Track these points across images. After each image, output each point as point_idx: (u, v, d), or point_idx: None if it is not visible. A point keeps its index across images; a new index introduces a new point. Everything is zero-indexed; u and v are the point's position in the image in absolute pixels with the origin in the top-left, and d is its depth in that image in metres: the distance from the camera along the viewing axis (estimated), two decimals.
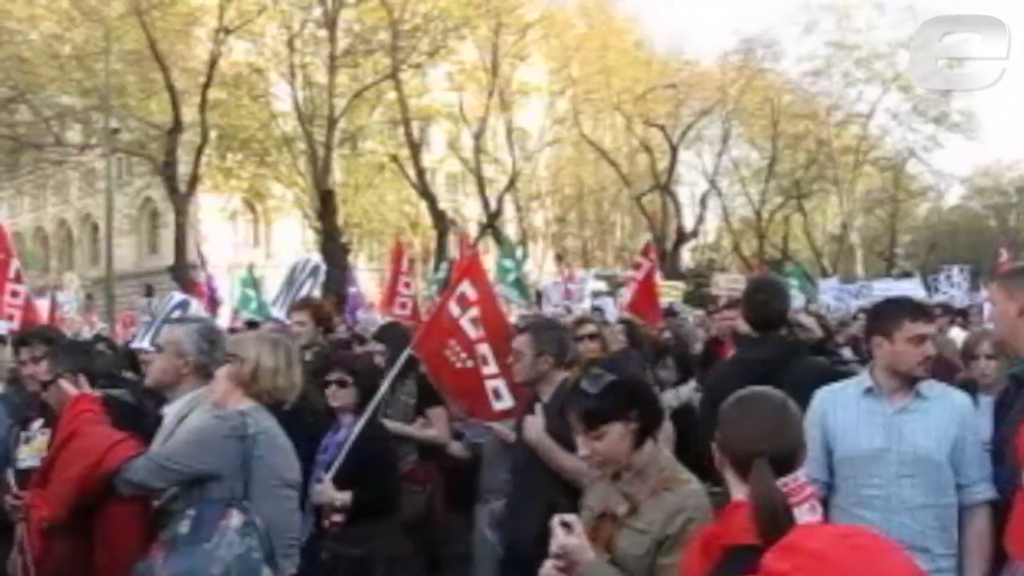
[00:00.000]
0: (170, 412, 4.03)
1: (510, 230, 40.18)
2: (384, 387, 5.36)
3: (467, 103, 35.49)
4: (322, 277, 11.84)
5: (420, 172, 32.94)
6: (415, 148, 32.80)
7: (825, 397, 3.89)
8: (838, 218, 46.37)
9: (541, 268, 38.11)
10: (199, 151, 29.13)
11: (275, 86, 31.97)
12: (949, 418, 3.69)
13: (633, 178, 42.44)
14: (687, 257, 46.16)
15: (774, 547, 2.20)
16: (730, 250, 47.68)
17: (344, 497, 4.84)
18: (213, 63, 28.74)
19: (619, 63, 40.16)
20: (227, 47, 29.62)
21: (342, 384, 5.26)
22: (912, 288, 15.75)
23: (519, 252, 36.44)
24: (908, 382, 3.74)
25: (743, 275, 20.65)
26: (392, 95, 31.90)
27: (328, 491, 4.86)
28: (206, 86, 28.58)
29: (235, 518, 3.58)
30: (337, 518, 4.83)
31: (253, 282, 14.49)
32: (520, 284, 14.95)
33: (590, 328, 6.85)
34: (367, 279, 28.76)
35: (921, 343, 3.70)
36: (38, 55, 29.34)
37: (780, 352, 4.44)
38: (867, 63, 41.46)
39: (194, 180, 29.65)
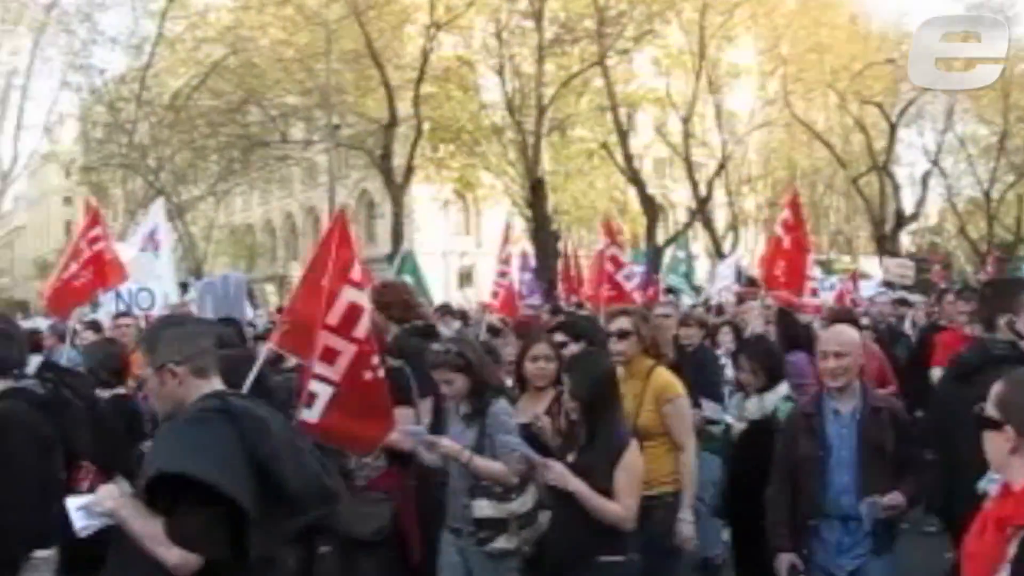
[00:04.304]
0: None
1: (720, 215, 39.54)
2: (247, 383, 4.29)
3: (674, 87, 35.11)
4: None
5: (628, 158, 32.84)
6: (623, 134, 32.72)
7: None
8: None
9: (753, 254, 37.28)
10: (414, 144, 30.23)
11: (483, 78, 32.60)
12: None
13: (848, 159, 40.78)
14: (907, 241, 44.07)
15: None
16: (955, 233, 45.16)
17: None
18: (425, 58, 29.68)
19: (832, 39, 38.58)
20: (437, 42, 30.46)
21: None
22: None
23: (729, 238, 36.26)
24: None
25: (912, 260, 19.62)
26: (599, 82, 31.97)
27: None
28: (419, 81, 29.50)
29: None
30: None
31: (414, 268, 14.83)
32: (689, 277, 14.81)
33: (621, 324, 5.39)
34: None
35: None
36: (265, 60, 31.23)
37: (979, 357, 4.04)
38: None
39: (409, 171, 30.81)
